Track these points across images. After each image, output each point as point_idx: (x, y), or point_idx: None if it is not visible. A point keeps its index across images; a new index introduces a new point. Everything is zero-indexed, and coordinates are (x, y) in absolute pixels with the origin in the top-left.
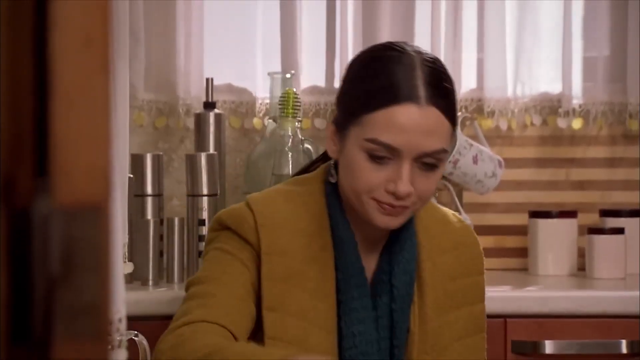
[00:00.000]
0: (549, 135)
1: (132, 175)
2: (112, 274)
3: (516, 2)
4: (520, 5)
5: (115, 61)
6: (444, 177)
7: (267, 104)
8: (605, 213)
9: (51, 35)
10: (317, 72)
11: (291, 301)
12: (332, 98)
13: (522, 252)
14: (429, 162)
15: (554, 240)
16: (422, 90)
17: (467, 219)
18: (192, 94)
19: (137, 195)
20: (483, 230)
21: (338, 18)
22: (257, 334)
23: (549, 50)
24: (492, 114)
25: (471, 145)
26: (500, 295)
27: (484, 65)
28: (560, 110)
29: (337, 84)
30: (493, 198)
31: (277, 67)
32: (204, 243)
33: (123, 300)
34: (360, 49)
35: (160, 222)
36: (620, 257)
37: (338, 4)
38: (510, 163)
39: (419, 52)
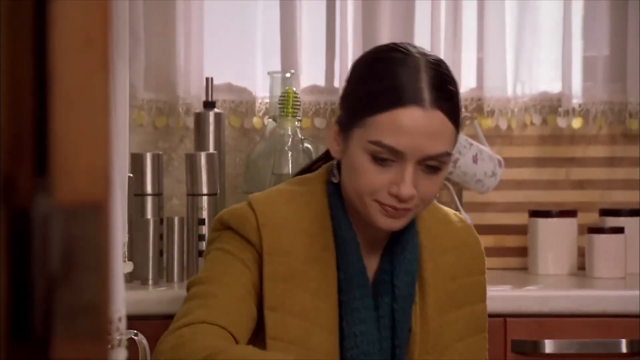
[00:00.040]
0: (549, 134)
1: (132, 175)
2: (112, 273)
3: (516, 2)
4: (520, 5)
5: (115, 61)
6: None
7: (266, 103)
8: (605, 212)
9: (51, 35)
10: (317, 72)
11: (293, 301)
12: (332, 97)
13: (522, 252)
14: (432, 164)
15: (554, 240)
16: (426, 93)
17: (467, 218)
18: (192, 93)
19: (137, 194)
20: (483, 229)
21: (338, 17)
22: (258, 334)
23: (549, 50)
24: (492, 113)
25: (471, 144)
26: (500, 295)
27: (483, 64)
28: (560, 109)
29: (336, 83)
30: (493, 197)
31: (277, 66)
32: (204, 242)
33: (123, 300)
34: (360, 48)
35: (160, 221)
36: (620, 256)
37: (338, 3)
38: (510, 162)
39: (424, 54)
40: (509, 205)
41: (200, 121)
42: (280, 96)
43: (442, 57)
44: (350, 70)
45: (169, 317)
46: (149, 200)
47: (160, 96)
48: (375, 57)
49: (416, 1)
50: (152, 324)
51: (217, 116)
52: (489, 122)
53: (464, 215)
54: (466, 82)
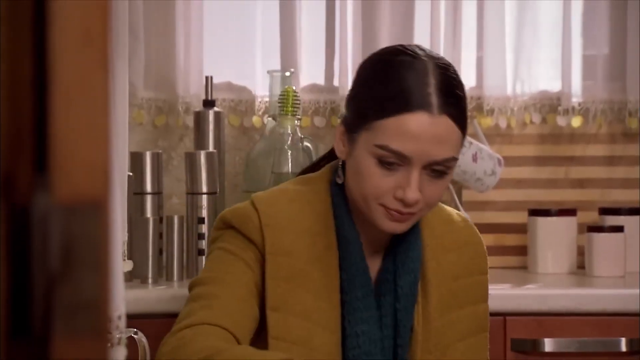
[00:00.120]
0: (549, 133)
1: (131, 173)
2: (112, 271)
3: (516, 1)
4: (520, 4)
5: (114, 59)
6: None
7: (266, 102)
8: (605, 211)
9: (50, 33)
10: (317, 71)
11: (295, 301)
12: (332, 96)
13: (522, 250)
14: (438, 169)
15: (554, 239)
16: (434, 98)
17: (467, 217)
18: (192, 92)
19: (136, 193)
20: (482, 228)
21: (337, 16)
22: (261, 334)
23: (549, 49)
24: (491, 112)
25: (471, 143)
26: (500, 293)
27: (483, 63)
28: (559, 108)
29: (336, 82)
30: (492, 196)
31: (277, 65)
32: (203, 241)
33: (122, 298)
34: (359, 47)
35: (159, 220)
36: (619, 255)
37: (337, 2)
38: (509, 161)
39: (432, 57)
40: (509, 204)
41: (199, 120)
42: (280, 95)
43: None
44: (357, 72)
45: (168, 316)
46: (149, 199)
47: (159, 95)
48: (383, 60)
49: (416, 0)
50: (151, 323)
51: (217, 115)
52: (488, 121)
53: (463, 214)
54: (466, 81)
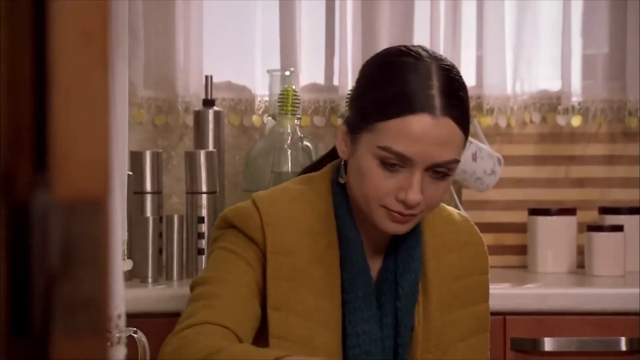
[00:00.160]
0: (548, 132)
1: (131, 173)
2: (112, 270)
3: (515, 0)
4: (520, 3)
5: (114, 59)
6: None
7: (266, 101)
8: (605, 210)
9: (50, 31)
10: (316, 70)
11: (296, 300)
12: (331, 96)
13: (522, 250)
14: (440, 171)
15: (553, 238)
16: (437, 101)
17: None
18: (192, 91)
19: (136, 192)
20: (482, 227)
21: (337, 15)
22: (262, 333)
23: (548, 48)
24: (491, 111)
25: (470, 142)
26: (500, 293)
27: (483, 62)
28: (559, 107)
29: (336, 81)
30: (492, 195)
31: (277, 64)
32: (203, 240)
33: (122, 297)
34: (359, 46)
35: (159, 219)
36: (619, 254)
37: (337, 1)
38: (509, 160)
39: (435, 58)
40: (509, 203)
41: (199, 119)
42: (280, 94)
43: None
44: (360, 72)
45: (168, 315)
46: (149, 198)
47: (159, 94)
48: (386, 61)
49: None
50: (151, 322)
51: (217, 114)
52: (488, 120)
53: (464, 213)
54: (465, 80)
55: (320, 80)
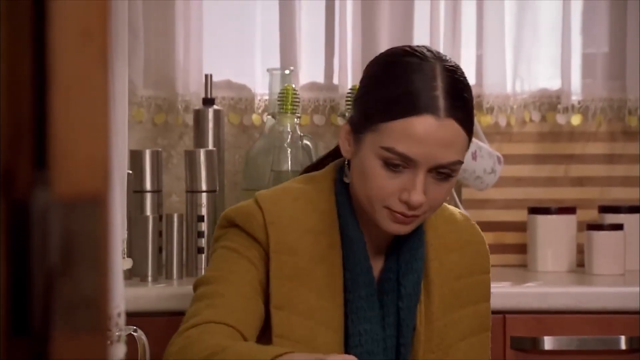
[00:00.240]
0: (548, 131)
1: (131, 172)
2: (111, 267)
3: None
4: (520, 2)
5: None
6: None
7: (266, 100)
8: (605, 209)
9: (50, 28)
10: (316, 69)
11: (299, 300)
12: (331, 94)
13: (521, 249)
14: (443, 172)
15: (553, 237)
16: (441, 102)
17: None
18: (191, 90)
19: (136, 191)
20: (482, 226)
21: (337, 14)
22: (265, 332)
23: (548, 47)
24: (491, 110)
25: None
26: (500, 292)
27: (483, 61)
28: (559, 106)
29: (335, 80)
30: (492, 194)
31: (276, 63)
32: (203, 239)
33: (122, 296)
34: (359, 45)
35: (159, 218)
36: (619, 253)
37: (337, 0)
38: (509, 159)
39: (440, 59)
40: (508, 202)
41: (199, 118)
42: (280, 93)
43: None
44: (364, 72)
45: (168, 314)
46: (148, 197)
47: (159, 93)
48: (390, 61)
49: None
50: (151, 321)
51: (217, 113)
52: (488, 119)
53: (464, 212)
54: None
55: (320, 79)
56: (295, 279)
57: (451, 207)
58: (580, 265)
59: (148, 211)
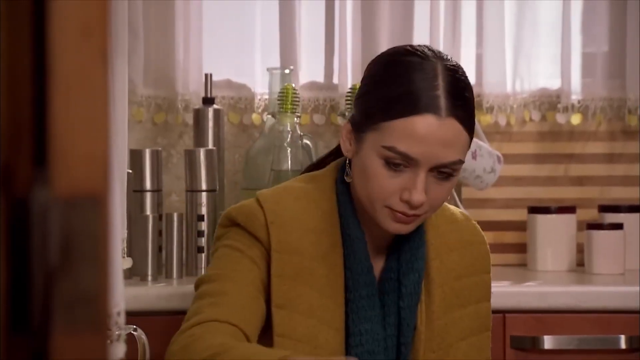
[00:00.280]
0: (548, 130)
1: (131, 171)
2: (111, 265)
3: None
4: (520, 1)
5: (114, 56)
6: None
7: (265, 99)
8: (604, 209)
9: (49, 25)
10: (316, 68)
11: (300, 299)
12: (331, 94)
13: (521, 248)
14: (444, 171)
15: (553, 236)
16: (442, 101)
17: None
18: (191, 89)
19: (135, 190)
20: (482, 226)
21: (337, 13)
22: (267, 331)
23: (548, 46)
24: (491, 109)
25: None
26: (499, 291)
27: (482, 60)
28: (559, 105)
29: (335, 80)
30: (492, 194)
31: (276, 62)
32: (203, 238)
33: (122, 295)
34: (359, 44)
35: (159, 217)
36: (619, 252)
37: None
38: (509, 158)
39: (441, 58)
40: (508, 202)
41: (199, 117)
42: (279, 92)
43: None
44: (365, 71)
45: (168, 313)
46: (148, 197)
47: (159, 92)
48: (392, 60)
49: None
50: (151, 320)
51: (216, 112)
52: (488, 118)
53: (465, 212)
54: None
55: (320, 78)
56: (297, 278)
57: (452, 207)
58: (580, 264)
59: (148, 210)
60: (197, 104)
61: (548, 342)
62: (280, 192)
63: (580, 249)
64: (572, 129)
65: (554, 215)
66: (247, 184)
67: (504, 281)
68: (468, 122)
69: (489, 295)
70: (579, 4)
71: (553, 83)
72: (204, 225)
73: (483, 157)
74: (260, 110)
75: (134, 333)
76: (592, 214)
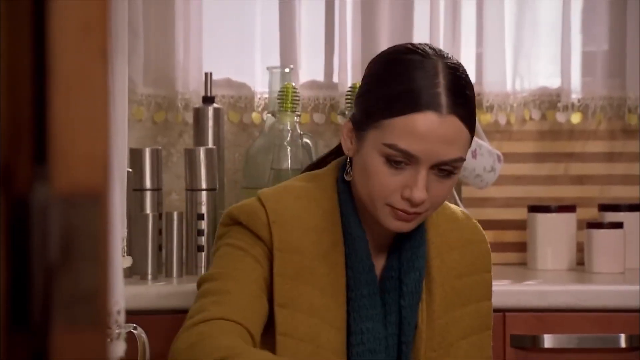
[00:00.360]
0: (548, 129)
1: (131, 170)
2: (111, 263)
3: None
4: (520, 0)
5: (114, 55)
6: None
7: (265, 98)
8: (604, 207)
9: (50, 25)
10: (316, 67)
11: (302, 298)
12: (331, 93)
13: (521, 247)
14: (445, 169)
15: (553, 235)
16: (443, 99)
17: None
18: (191, 88)
19: (135, 189)
20: (482, 224)
21: (337, 12)
22: (269, 330)
23: (548, 45)
24: (491, 108)
25: None
26: (500, 290)
27: (483, 59)
28: (559, 104)
29: (335, 78)
30: (492, 193)
31: (276, 61)
32: (203, 237)
33: (122, 293)
34: (359, 43)
35: (159, 216)
36: (619, 251)
37: None
38: (509, 157)
39: (442, 56)
40: (508, 201)
41: (199, 116)
42: (279, 91)
43: None
44: (366, 69)
45: (168, 312)
46: (148, 195)
47: (159, 91)
48: (392, 58)
49: None
50: (151, 319)
51: (216, 111)
52: (488, 117)
53: (465, 211)
54: None
55: (320, 77)
56: (299, 277)
57: (453, 206)
58: (580, 263)
59: (148, 209)
60: (197, 102)
61: (548, 341)
62: (281, 191)
63: (580, 248)
64: (572, 128)
65: (554, 214)
66: (247, 183)
67: (504, 280)
68: (469, 120)
69: (490, 294)
70: (579, 3)
71: (553, 82)
72: (204, 224)
73: (483, 156)
74: (260, 109)
75: (134, 331)
76: (592, 213)
